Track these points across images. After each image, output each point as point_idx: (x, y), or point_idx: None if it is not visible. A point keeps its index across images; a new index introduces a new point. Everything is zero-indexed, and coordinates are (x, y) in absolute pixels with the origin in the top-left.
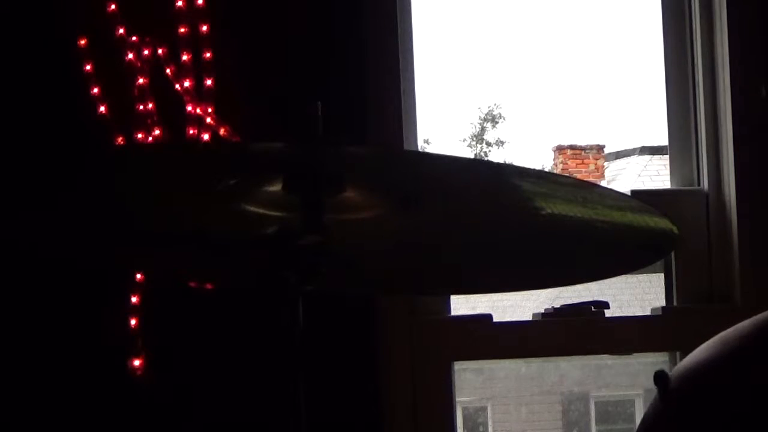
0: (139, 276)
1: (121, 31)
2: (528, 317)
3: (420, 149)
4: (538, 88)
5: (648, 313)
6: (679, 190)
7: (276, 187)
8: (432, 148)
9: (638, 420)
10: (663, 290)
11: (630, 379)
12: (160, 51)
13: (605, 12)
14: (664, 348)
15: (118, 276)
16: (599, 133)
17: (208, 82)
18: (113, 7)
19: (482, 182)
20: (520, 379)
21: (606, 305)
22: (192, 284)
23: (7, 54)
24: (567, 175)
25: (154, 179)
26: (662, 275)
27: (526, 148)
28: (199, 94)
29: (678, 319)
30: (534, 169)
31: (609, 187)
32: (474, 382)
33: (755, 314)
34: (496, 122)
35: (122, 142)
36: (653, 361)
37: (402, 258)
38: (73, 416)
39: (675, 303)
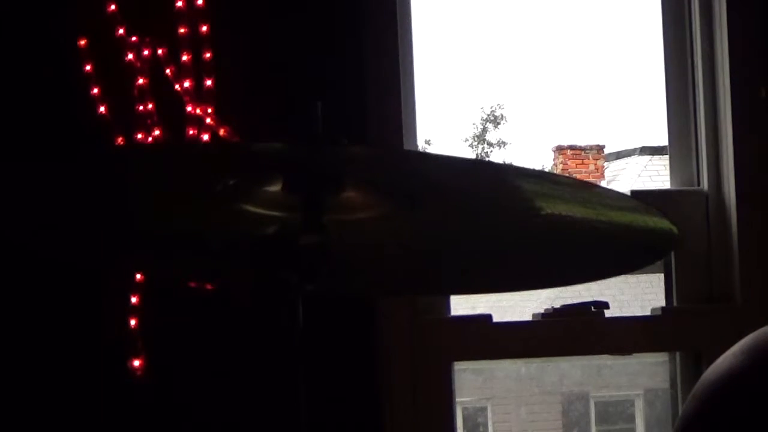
0: (139, 276)
1: (121, 31)
2: (528, 317)
3: (421, 149)
4: (538, 89)
5: (648, 313)
6: (679, 190)
7: (276, 187)
8: (433, 149)
9: (638, 420)
10: (663, 290)
11: (630, 379)
12: (160, 51)
13: (605, 12)
14: (664, 348)
15: (118, 276)
16: (599, 133)
17: (208, 82)
18: (113, 7)
19: (482, 182)
20: (520, 379)
21: (606, 305)
22: (192, 284)
23: (7, 54)
24: (567, 175)
25: (154, 179)
26: (662, 275)
27: (526, 148)
28: (199, 94)
29: (678, 319)
30: (534, 170)
31: (609, 187)
32: (474, 382)
33: (755, 314)
34: (498, 123)
35: (122, 142)
36: (653, 361)
37: (402, 258)
38: (73, 416)
39: (675, 303)
